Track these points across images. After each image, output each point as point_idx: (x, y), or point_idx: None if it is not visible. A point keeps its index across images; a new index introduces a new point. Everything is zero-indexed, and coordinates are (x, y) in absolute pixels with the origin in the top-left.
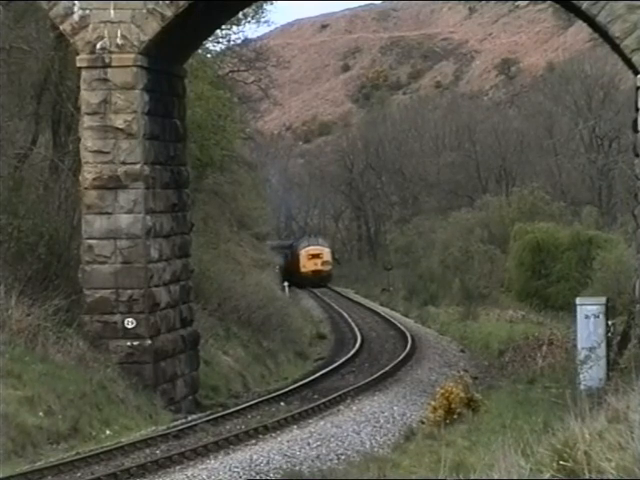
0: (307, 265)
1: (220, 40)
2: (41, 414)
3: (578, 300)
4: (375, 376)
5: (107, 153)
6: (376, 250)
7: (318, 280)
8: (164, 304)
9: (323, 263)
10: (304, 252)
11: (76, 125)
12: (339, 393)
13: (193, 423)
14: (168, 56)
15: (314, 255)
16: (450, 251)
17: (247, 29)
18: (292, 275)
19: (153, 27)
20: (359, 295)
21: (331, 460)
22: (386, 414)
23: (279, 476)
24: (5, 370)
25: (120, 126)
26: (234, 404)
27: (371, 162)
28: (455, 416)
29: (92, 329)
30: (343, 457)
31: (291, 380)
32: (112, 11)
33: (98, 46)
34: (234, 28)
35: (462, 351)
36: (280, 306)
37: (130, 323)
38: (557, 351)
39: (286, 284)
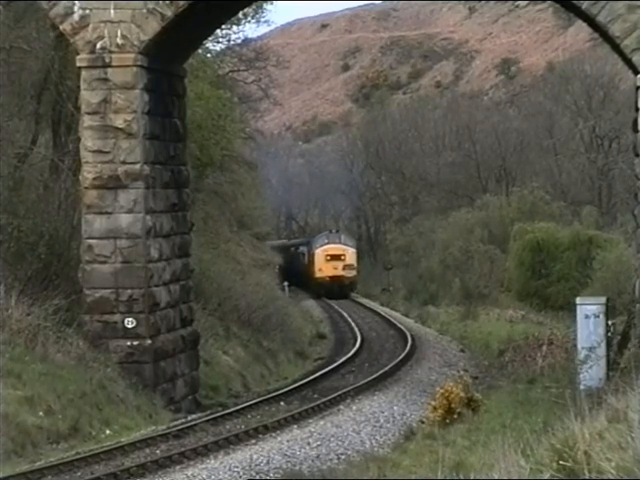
0: (324, 269)
1: (220, 40)
2: (41, 414)
3: (578, 300)
4: (375, 376)
5: (107, 153)
6: (376, 250)
7: (338, 289)
8: (164, 304)
9: (345, 267)
10: (321, 252)
11: (76, 125)
12: (339, 393)
13: (193, 423)
14: (168, 56)
15: (334, 256)
16: (450, 251)
17: (247, 29)
18: (305, 280)
19: (153, 27)
20: (359, 295)
21: (331, 460)
22: (386, 414)
23: (279, 476)
24: (5, 370)
25: (120, 126)
26: (234, 404)
27: (371, 162)
28: (455, 416)
29: (92, 329)
30: (343, 457)
31: (291, 380)
32: (112, 11)
33: (98, 46)
34: (234, 28)
35: (462, 351)
36: (280, 306)
37: (130, 323)
38: (557, 351)
39: (286, 284)
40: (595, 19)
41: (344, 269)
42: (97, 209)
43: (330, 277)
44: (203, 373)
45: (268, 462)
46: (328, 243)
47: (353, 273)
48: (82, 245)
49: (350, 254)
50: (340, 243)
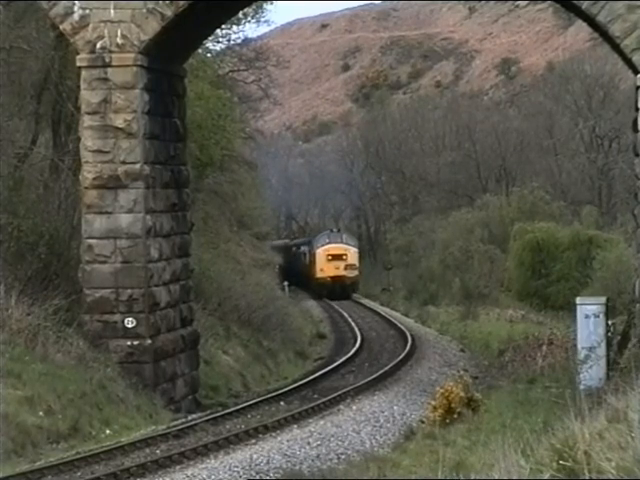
0: (326, 269)
1: (220, 40)
2: (41, 414)
3: (578, 300)
4: (375, 376)
5: (107, 153)
6: (376, 250)
7: (339, 289)
8: (164, 304)
9: (347, 267)
10: (322, 251)
11: (76, 125)
12: (339, 393)
13: (193, 423)
14: (168, 56)
15: (335, 256)
16: (450, 251)
17: (247, 29)
18: (306, 281)
19: (153, 27)
20: (359, 295)
21: (331, 460)
22: (386, 414)
23: (279, 476)
24: (5, 370)
25: (120, 125)
26: (234, 404)
27: (371, 162)
28: (455, 416)
29: (92, 329)
30: (343, 457)
31: (291, 380)
32: (112, 11)
33: (98, 45)
34: (234, 28)
35: (462, 351)
36: (280, 306)
37: (130, 323)
38: (557, 351)
39: (286, 284)
40: (595, 19)
41: (346, 269)
42: (97, 209)
43: (331, 277)
44: (203, 373)
45: (268, 462)
46: (329, 243)
47: (355, 273)
48: (82, 245)
49: (352, 254)
50: (342, 243)
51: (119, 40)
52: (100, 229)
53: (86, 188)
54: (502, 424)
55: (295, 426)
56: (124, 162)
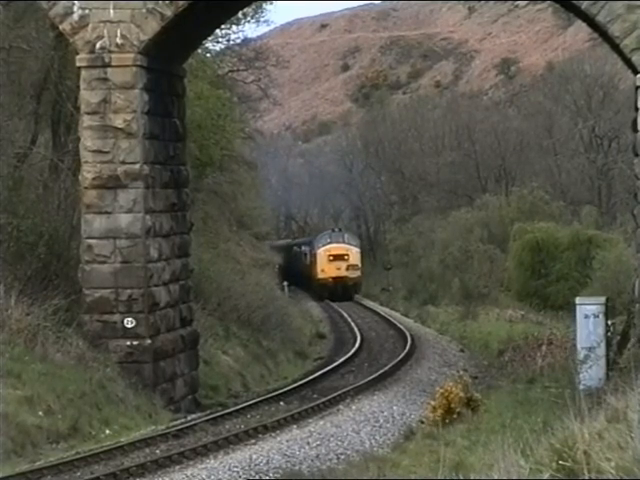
0: (327, 270)
1: (220, 40)
2: (41, 414)
3: (578, 300)
4: (374, 376)
5: (107, 153)
6: (375, 250)
7: (341, 290)
8: (164, 304)
9: (349, 267)
10: (323, 252)
11: (76, 125)
12: (339, 393)
13: (192, 423)
14: (168, 56)
15: (337, 256)
16: (450, 251)
17: (247, 29)
18: (307, 282)
19: (153, 27)
20: (359, 294)
21: (331, 460)
22: (385, 414)
23: (279, 476)
24: (5, 370)
25: (120, 126)
26: (234, 404)
27: (370, 162)
28: (455, 416)
29: (92, 329)
30: (343, 457)
31: (291, 380)
32: (112, 11)
33: (98, 46)
34: (234, 28)
35: (462, 351)
36: (280, 306)
37: (130, 323)
38: (557, 351)
39: (285, 284)
40: (595, 19)
41: (348, 269)
42: (97, 209)
43: (333, 278)
44: (203, 373)
45: (268, 462)
46: (331, 242)
47: (357, 274)
48: (82, 245)
49: (354, 254)
50: (343, 242)
51: (119, 40)
52: (99, 229)
53: (86, 188)
54: (502, 424)
55: (295, 426)
56: (124, 162)
